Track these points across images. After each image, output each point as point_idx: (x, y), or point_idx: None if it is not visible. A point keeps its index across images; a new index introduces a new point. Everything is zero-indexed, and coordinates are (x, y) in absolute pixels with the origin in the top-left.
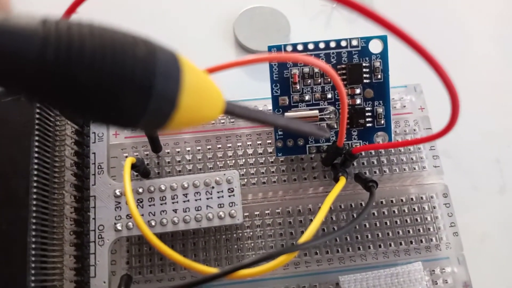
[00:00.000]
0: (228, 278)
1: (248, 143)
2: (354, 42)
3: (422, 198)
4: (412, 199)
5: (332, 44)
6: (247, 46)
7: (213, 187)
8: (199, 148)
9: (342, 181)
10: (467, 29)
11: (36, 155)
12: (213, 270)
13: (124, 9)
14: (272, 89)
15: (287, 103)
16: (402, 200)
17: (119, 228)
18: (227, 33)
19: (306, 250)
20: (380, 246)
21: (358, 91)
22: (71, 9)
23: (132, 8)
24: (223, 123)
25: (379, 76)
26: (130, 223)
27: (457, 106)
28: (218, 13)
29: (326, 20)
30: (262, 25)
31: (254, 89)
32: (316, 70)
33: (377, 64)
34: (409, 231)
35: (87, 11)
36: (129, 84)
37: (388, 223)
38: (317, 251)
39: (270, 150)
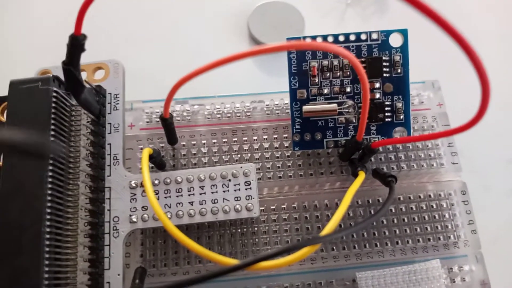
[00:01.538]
0: (248, 270)
1: (264, 136)
2: (374, 36)
3: (440, 195)
4: (430, 196)
5: (352, 37)
6: (261, 41)
7: (229, 180)
8: (215, 141)
9: (362, 175)
10: (476, 29)
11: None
12: (233, 261)
13: (137, 4)
14: (290, 81)
15: (305, 96)
16: (419, 197)
17: (134, 220)
18: (241, 28)
19: (327, 243)
20: (397, 243)
21: (377, 85)
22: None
23: (146, 3)
24: (239, 116)
25: (399, 70)
26: (145, 215)
27: (487, 99)
28: (232, 7)
29: (340, 16)
30: (276, 20)
31: (266, 83)
32: (335, 63)
33: (397, 58)
34: (427, 228)
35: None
36: None
37: (406, 220)
38: (334, 247)
39: (286, 144)
